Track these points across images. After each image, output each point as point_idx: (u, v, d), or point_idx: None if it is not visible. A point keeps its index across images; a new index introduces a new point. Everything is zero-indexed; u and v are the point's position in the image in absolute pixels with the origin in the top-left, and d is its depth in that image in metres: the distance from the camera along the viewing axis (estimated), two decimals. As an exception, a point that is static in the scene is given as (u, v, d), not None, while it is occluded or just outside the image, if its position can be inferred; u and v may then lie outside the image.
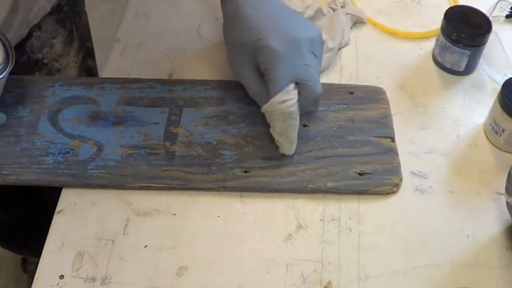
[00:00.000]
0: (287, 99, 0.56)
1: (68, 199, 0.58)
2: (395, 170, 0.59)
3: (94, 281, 0.52)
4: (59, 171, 0.58)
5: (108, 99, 0.64)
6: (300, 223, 0.56)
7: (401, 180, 0.59)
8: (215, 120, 0.62)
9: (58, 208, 0.57)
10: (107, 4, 1.83)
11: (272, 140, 0.60)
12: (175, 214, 0.57)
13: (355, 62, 0.70)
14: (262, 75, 0.58)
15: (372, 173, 0.59)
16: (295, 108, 0.56)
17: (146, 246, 0.55)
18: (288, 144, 0.58)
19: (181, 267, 0.53)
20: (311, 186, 0.57)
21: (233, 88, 0.65)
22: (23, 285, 1.28)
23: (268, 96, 0.57)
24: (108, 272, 0.53)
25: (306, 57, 0.57)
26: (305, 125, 0.62)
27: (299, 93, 0.57)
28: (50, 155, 0.59)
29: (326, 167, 0.59)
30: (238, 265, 0.54)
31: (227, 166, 0.59)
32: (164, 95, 0.64)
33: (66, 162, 0.59)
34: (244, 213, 0.57)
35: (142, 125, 0.62)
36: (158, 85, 0.65)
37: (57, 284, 0.52)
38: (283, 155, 0.59)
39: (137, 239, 0.55)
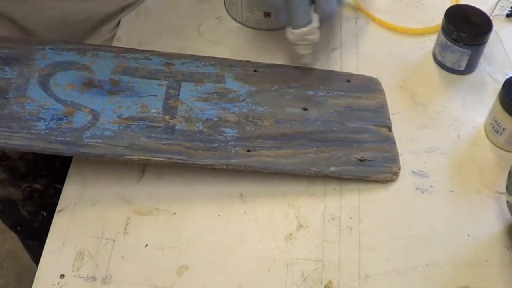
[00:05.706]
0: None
1: (68, 198, 0.58)
2: (394, 159, 0.60)
3: (94, 280, 0.52)
4: (52, 137, 0.55)
5: (103, 67, 0.62)
6: (301, 222, 0.56)
7: (399, 168, 0.59)
8: (215, 97, 0.62)
9: (58, 207, 0.57)
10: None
11: (273, 121, 0.60)
12: (175, 213, 0.57)
13: (355, 61, 0.70)
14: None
15: (372, 160, 0.59)
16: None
17: (146, 245, 0.55)
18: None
19: (181, 266, 0.53)
20: (314, 169, 0.57)
21: (231, 67, 0.65)
22: (23, 284, 1.28)
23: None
24: (108, 272, 0.53)
25: None
26: (305, 109, 0.62)
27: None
28: (42, 121, 0.56)
29: (328, 152, 0.59)
30: (239, 264, 0.54)
31: (229, 144, 0.58)
32: (161, 67, 0.63)
33: (60, 129, 0.55)
34: (245, 212, 0.57)
35: (140, 97, 0.60)
36: (154, 57, 0.64)
37: (58, 284, 0.52)
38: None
39: (138, 238, 0.55)
